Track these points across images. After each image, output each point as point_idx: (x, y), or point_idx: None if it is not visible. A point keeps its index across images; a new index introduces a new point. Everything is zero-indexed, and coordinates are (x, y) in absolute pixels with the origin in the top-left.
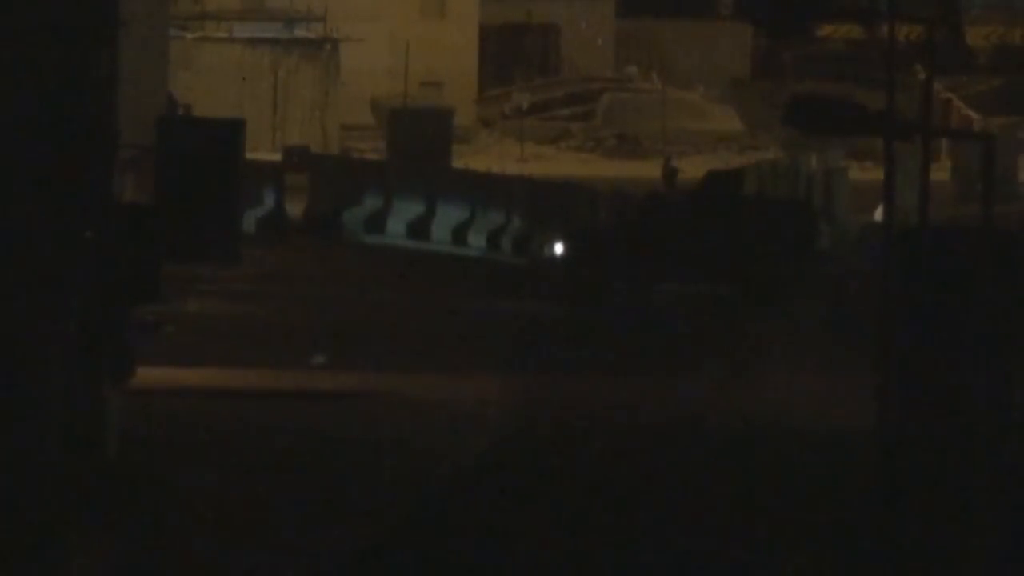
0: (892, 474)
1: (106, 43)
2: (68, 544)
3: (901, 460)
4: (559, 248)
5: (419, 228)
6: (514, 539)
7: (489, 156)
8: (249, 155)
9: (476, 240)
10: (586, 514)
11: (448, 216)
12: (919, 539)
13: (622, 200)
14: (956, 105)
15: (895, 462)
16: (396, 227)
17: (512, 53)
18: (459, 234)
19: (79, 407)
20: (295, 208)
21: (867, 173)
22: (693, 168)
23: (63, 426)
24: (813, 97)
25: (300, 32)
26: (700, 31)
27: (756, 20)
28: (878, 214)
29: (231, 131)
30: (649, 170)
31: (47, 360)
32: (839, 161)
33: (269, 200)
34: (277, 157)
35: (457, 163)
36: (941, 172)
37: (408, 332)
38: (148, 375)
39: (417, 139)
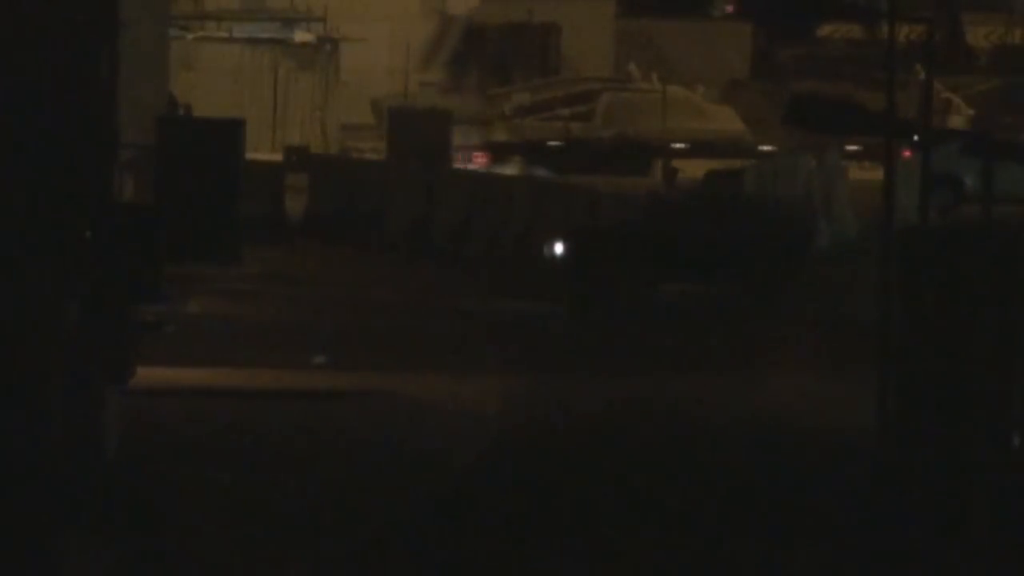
0: (891, 475)
1: (106, 43)
2: (68, 544)
3: (901, 460)
4: (559, 248)
5: (419, 228)
6: (514, 539)
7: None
8: (249, 155)
9: (476, 240)
10: (586, 514)
11: (448, 216)
12: (919, 540)
13: (622, 200)
14: (956, 105)
15: (895, 462)
16: (396, 227)
17: (512, 53)
18: (459, 234)
19: (79, 407)
20: (295, 208)
21: (867, 173)
22: (693, 168)
23: (63, 426)
24: (813, 97)
25: (300, 32)
26: (700, 31)
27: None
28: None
29: (231, 131)
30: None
31: (47, 360)
32: (839, 161)
33: (269, 200)
34: (277, 157)
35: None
36: None
37: (408, 332)
38: (148, 375)
39: (417, 139)
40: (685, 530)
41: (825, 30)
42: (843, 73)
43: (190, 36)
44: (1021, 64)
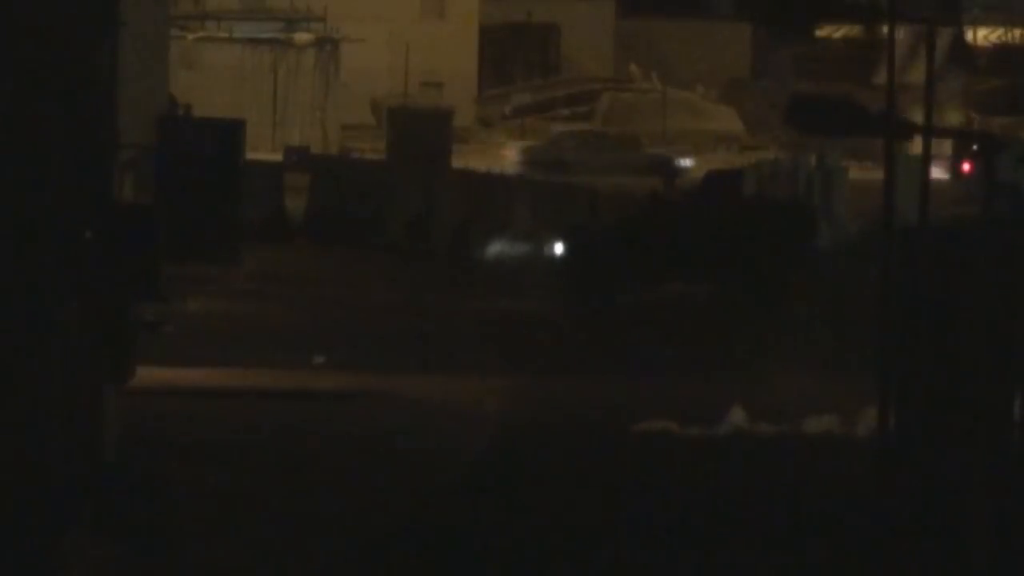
0: (892, 474)
1: (106, 43)
2: (68, 544)
3: (901, 460)
4: (559, 248)
5: (419, 228)
6: (513, 539)
7: (489, 156)
8: (249, 155)
9: (475, 241)
10: (585, 514)
11: (448, 216)
12: (918, 538)
13: (622, 200)
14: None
15: (895, 462)
16: (396, 227)
17: (512, 53)
18: (459, 234)
19: (79, 407)
20: (295, 208)
21: (867, 173)
22: (693, 168)
23: (63, 426)
24: (813, 97)
25: (300, 32)
26: (700, 31)
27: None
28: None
29: (231, 131)
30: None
31: (47, 360)
32: (839, 161)
33: (269, 200)
34: (277, 157)
35: (457, 163)
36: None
37: (407, 332)
38: (148, 375)
39: (417, 139)
40: (684, 530)
41: (825, 30)
42: (843, 73)
43: (190, 36)
44: (1021, 64)
